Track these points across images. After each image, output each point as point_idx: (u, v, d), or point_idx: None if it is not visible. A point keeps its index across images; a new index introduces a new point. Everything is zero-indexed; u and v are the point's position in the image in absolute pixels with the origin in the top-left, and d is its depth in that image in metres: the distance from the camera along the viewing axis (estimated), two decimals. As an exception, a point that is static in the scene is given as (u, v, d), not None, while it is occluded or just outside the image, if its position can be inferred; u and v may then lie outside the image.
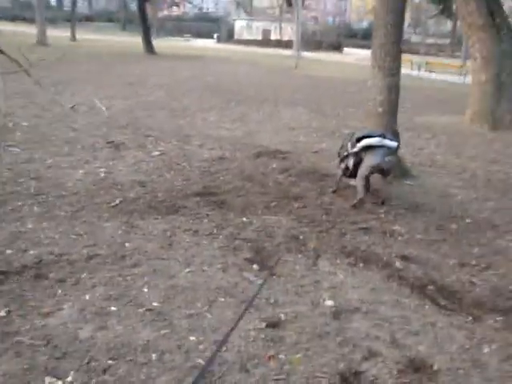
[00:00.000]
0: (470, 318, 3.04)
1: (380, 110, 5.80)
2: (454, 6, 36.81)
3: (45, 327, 2.66)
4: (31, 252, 3.49)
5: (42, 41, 25.80)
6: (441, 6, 38.33)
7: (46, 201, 4.47)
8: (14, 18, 43.01)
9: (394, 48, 5.70)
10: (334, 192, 5.18)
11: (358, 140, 4.83)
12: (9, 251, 3.48)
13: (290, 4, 35.15)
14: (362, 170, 4.79)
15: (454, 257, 3.91)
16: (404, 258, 3.82)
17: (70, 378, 2.29)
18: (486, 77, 10.53)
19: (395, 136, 5.02)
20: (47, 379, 2.28)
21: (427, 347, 2.70)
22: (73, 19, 34.26)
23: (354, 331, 2.80)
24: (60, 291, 3.02)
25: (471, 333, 2.88)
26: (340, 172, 5.22)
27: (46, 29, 27.24)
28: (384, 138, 4.76)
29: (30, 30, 29.52)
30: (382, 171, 4.82)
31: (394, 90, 5.85)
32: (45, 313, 2.79)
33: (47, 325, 2.68)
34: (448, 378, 2.47)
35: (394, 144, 4.73)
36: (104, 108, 8.76)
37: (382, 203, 4.91)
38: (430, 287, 3.39)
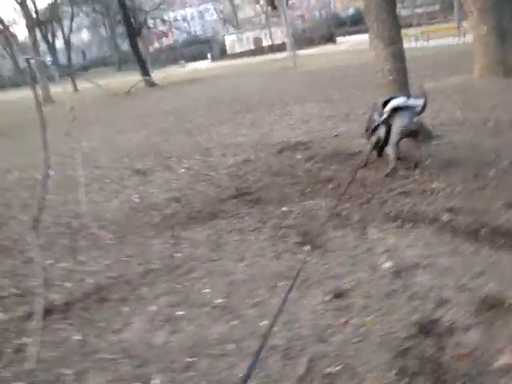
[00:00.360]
0: (532, 250, 3.00)
1: (390, 78, 5.78)
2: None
3: (120, 341, 2.73)
4: (89, 281, 3.59)
5: (47, 99, 26.54)
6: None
7: (90, 234, 4.60)
8: (17, 85, 44.48)
9: (390, 17, 5.69)
10: (365, 166, 5.17)
11: (385, 105, 4.82)
12: (68, 284, 3.59)
13: (274, 7, 35.37)
14: (393, 137, 4.78)
15: (500, 199, 3.86)
16: (450, 210, 3.79)
17: (155, 381, 2.35)
18: (486, 28, 10.38)
19: (423, 94, 4.93)
20: (136, 386, 2.35)
21: (496, 285, 2.67)
22: (71, 73, 35.22)
23: (419, 285, 2.80)
24: (125, 308, 3.10)
25: (538, 263, 2.84)
26: (370, 146, 5.20)
27: (48, 86, 28.06)
28: (408, 98, 4.76)
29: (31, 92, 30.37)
30: (411, 133, 4.79)
31: (398, 57, 5.83)
32: (116, 329, 2.87)
33: (122, 339, 2.76)
34: (525, 307, 2.44)
35: (419, 103, 4.68)
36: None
37: (415, 166, 4.88)
38: (484, 230, 3.36)
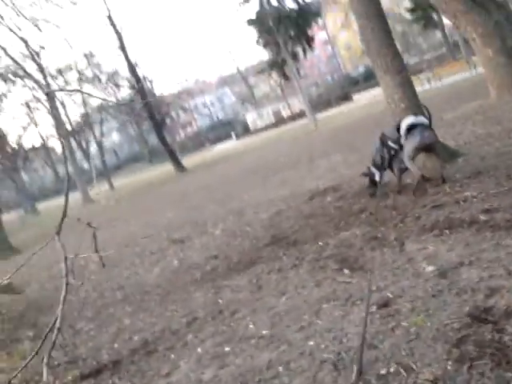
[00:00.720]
0: None
1: (402, 106, 5.88)
2: (436, 17, 37.81)
3: (169, 383, 2.70)
4: (135, 338, 3.61)
5: (87, 200, 27.88)
6: (422, 23, 39.31)
7: (134, 300, 4.66)
8: (57, 193, 46.98)
9: (390, 49, 5.91)
10: (399, 192, 5.14)
11: (398, 129, 4.93)
12: (116, 345, 3.61)
13: (287, 78, 36.85)
14: (407, 152, 4.84)
15: (537, 192, 3.74)
16: (486, 211, 3.68)
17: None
18: (492, 51, 10.48)
19: (426, 110, 5.10)
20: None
21: (548, 266, 2.55)
22: (106, 173, 37.09)
23: (466, 281, 2.69)
24: (172, 356, 3.08)
25: None
26: (397, 173, 5.25)
27: (87, 190, 29.59)
28: (416, 115, 4.91)
29: (75, 196, 32.09)
30: (426, 148, 4.84)
31: (406, 85, 5.96)
32: (165, 374, 2.85)
33: (171, 382, 2.72)
34: None
35: (424, 120, 4.86)
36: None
37: (443, 181, 4.82)
38: (525, 222, 3.24)
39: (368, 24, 5.84)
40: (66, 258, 2.37)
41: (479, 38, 10.58)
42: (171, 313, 3.90)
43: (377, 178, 5.42)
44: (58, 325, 2.22)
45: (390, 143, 5.17)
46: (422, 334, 2.31)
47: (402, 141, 4.98)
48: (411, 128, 4.82)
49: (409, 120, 4.88)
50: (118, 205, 18.71)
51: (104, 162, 38.60)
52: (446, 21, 43.20)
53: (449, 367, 1.99)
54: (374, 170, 5.45)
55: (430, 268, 2.99)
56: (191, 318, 3.63)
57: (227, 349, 2.89)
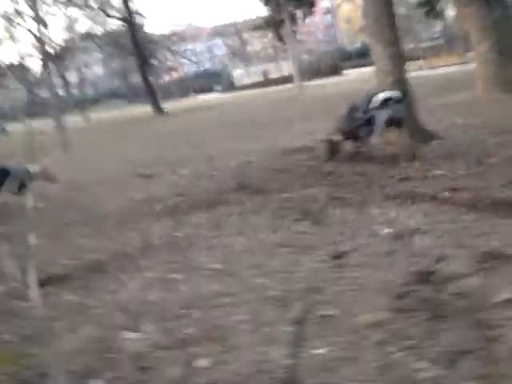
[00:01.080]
0: (533, 216, 2.97)
1: (390, 79, 5.87)
2: (439, 7, 37.38)
3: (114, 299, 2.71)
4: (88, 257, 3.59)
5: (60, 128, 27.00)
6: (426, 9, 38.89)
7: (93, 223, 4.60)
8: (32, 115, 45.45)
9: (388, 20, 5.84)
10: (356, 157, 5.45)
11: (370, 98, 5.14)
12: (67, 261, 3.58)
13: (281, 39, 36.11)
14: (378, 128, 5.06)
15: (501, 180, 3.84)
16: (451, 189, 3.78)
17: (148, 329, 2.32)
18: (486, 46, 10.54)
19: (404, 92, 5.36)
20: (126, 333, 2.31)
21: (500, 242, 2.64)
22: (84, 104, 35.96)
23: (419, 246, 2.77)
24: (122, 276, 3.08)
25: (538, 225, 2.80)
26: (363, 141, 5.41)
27: (61, 118, 28.62)
28: (389, 90, 5.19)
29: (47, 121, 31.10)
30: (395, 122, 5.03)
31: (397, 59, 5.94)
32: (112, 290, 2.85)
33: (116, 298, 2.74)
34: (528, 258, 2.39)
35: (399, 94, 5.12)
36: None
37: (413, 158, 4.90)
38: (485, 203, 3.33)
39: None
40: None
41: (476, 31, 10.62)
42: (127, 238, 3.88)
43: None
44: None
45: (359, 113, 5.25)
46: (367, 285, 2.38)
47: (374, 112, 5.07)
48: (386, 101, 4.96)
49: (386, 93, 5.04)
50: (93, 136, 18.28)
51: (83, 93, 37.39)
52: (447, 13, 42.97)
53: (387, 315, 2.07)
54: (336, 136, 5.55)
55: (388, 230, 3.07)
56: (147, 245, 3.62)
57: (177, 276, 2.91)
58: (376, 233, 3.07)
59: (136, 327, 2.35)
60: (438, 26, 49.91)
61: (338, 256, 2.79)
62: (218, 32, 65.18)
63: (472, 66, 20.07)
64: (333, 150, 5.56)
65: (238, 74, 55.93)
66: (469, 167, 4.38)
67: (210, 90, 53.81)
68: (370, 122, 5.19)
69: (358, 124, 5.30)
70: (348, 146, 5.59)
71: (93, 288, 2.97)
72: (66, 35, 34.41)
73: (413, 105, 6.09)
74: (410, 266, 2.51)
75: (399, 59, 5.92)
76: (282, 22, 34.41)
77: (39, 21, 26.81)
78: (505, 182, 3.76)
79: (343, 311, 2.17)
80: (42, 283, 3.02)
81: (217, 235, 3.60)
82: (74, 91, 40.66)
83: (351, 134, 5.42)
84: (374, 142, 5.24)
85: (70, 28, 33.30)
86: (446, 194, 3.67)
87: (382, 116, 5.03)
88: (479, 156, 4.73)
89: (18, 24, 30.47)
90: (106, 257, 3.52)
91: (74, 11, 31.63)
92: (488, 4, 10.40)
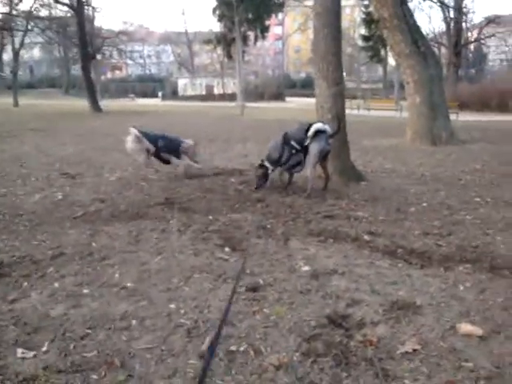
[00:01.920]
0: (442, 268, 3.14)
1: (329, 116, 6.05)
2: (382, 52, 39.70)
3: (12, 311, 2.51)
4: (-10, 257, 3.31)
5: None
6: (370, 54, 41.08)
7: (2, 219, 4.29)
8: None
9: (335, 59, 6.03)
10: (286, 188, 5.57)
11: (307, 130, 5.22)
12: (-35, 258, 3.29)
13: (230, 57, 36.48)
14: (312, 159, 5.23)
15: (417, 229, 4.05)
16: (371, 233, 3.91)
17: (44, 348, 2.16)
18: (419, 99, 11.25)
19: (338, 122, 5.58)
20: (19, 350, 2.13)
21: (406, 292, 2.75)
22: (14, 86, 33.90)
23: (334, 287, 2.82)
24: (26, 284, 2.87)
25: (445, 278, 2.96)
26: (290, 170, 5.62)
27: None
28: (323, 123, 5.34)
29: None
30: (326, 154, 5.34)
31: (339, 98, 6.15)
32: (10, 300, 2.64)
33: (14, 309, 2.53)
34: (431, 310, 2.51)
35: (331, 128, 5.32)
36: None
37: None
38: (400, 251, 3.48)
39: (323, 28, 5.92)
40: None
41: (413, 83, 11.29)
42: (38, 242, 3.63)
43: (269, 171, 5.58)
44: None
45: (293, 143, 5.36)
46: (280, 323, 2.37)
47: (306, 142, 5.26)
48: (320, 132, 5.19)
49: (319, 125, 5.21)
50: (18, 122, 17.19)
51: (15, 75, 35.22)
52: (389, 61, 45.64)
53: (295, 357, 2.07)
54: (267, 164, 5.57)
55: (306, 268, 3.10)
56: (58, 252, 3.41)
57: (86, 291, 2.75)
58: (294, 269, 3.09)
59: (31, 345, 2.18)
60: (379, 71, 52.92)
61: (253, 288, 2.77)
62: (169, 38, 64.59)
63: (404, 114, 21.43)
64: (265, 176, 5.59)
65: (183, 83, 55.61)
66: (389, 213, 4.58)
67: (152, 95, 52.96)
68: (302, 152, 5.32)
69: (290, 153, 5.37)
70: (278, 174, 5.66)
71: (-12, 293, 2.73)
72: (4, 10, 32.40)
73: (346, 143, 6.32)
74: (324, 307, 2.54)
75: (340, 98, 6.13)
76: (233, 40, 34.90)
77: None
78: (420, 232, 3.97)
79: (253, 349, 2.14)
80: None
81: (134, 250, 3.46)
82: (6, 72, 38.29)
83: (280, 163, 5.49)
84: (306, 173, 5.35)
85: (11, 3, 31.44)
86: (366, 237, 3.80)
87: (316, 147, 5.20)
88: (400, 204, 4.96)
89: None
90: (10, 260, 3.27)
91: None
92: (425, 61, 11.14)
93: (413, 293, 2.73)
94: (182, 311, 2.50)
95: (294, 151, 5.36)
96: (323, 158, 5.35)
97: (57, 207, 4.75)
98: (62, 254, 3.37)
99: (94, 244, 3.60)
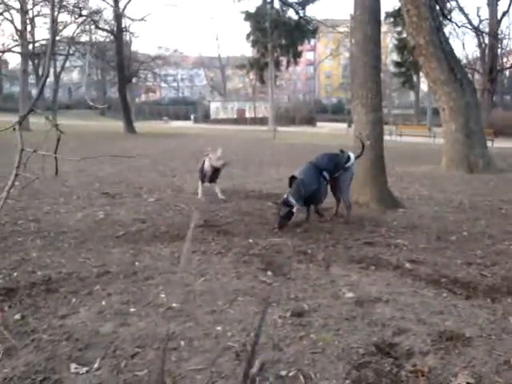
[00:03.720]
0: (489, 299, 3.07)
1: (367, 143, 6.06)
2: (415, 78, 39.55)
3: (63, 326, 2.58)
4: (39, 273, 3.42)
5: (23, 126, 26.19)
6: (402, 80, 40.98)
7: (47, 236, 4.43)
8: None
9: (374, 86, 6.08)
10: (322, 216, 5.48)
11: (346, 161, 5.31)
12: (16, 273, 3.41)
13: (262, 82, 37.01)
14: (346, 184, 5.35)
15: (460, 258, 3.98)
16: (412, 261, 3.87)
17: (96, 365, 2.20)
18: (455, 126, 11.15)
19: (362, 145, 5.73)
20: (72, 366, 2.19)
21: (454, 322, 2.70)
22: (54, 107, 35.24)
23: (379, 315, 2.79)
24: (74, 300, 2.95)
25: (493, 310, 2.89)
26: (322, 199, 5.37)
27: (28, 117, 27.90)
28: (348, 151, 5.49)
29: (14, 119, 30.20)
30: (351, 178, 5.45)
31: (377, 125, 6.17)
32: (61, 315, 2.71)
33: (65, 324, 2.60)
34: (482, 343, 2.45)
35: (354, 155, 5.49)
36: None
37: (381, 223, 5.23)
38: (444, 280, 3.42)
39: (363, 57, 5.98)
40: (21, 150, 2.23)
41: (448, 110, 11.22)
42: (84, 260, 3.74)
43: (294, 209, 4.92)
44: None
45: (326, 174, 5.18)
46: (327, 349, 2.36)
47: (340, 173, 5.27)
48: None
49: (352, 155, 5.35)
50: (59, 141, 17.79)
51: (56, 96, 36.66)
52: (422, 87, 45.40)
53: (345, 385, 2.05)
54: (292, 200, 4.91)
55: (349, 294, 3.08)
56: (103, 270, 3.50)
57: (132, 309, 2.81)
58: (338, 295, 3.08)
59: (83, 361, 2.23)
60: (411, 97, 52.68)
61: (299, 314, 2.77)
62: (202, 62, 66.10)
63: (437, 140, 21.22)
64: (289, 216, 4.95)
65: (215, 107, 56.58)
66: (429, 241, 4.52)
67: (185, 117, 54.02)
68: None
69: (325, 188, 5.23)
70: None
71: (40, 308, 2.82)
72: (49, 35, 33.98)
73: (384, 170, 6.31)
74: (371, 335, 2.51)
75: (379, 124, 6.16)
76: (266, 65, 35.46)
77: (25, 14, 26.59)
78: (463, 262, 3.90)
79: (302, 374, 2.14)
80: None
81: (177, 271, 3.51)
82: (47, 93, 39.91)
83: (318, 200, 5.25)
84: (343, 200, 5.41)
85: (55, 30, 32.94)
86: (408, 265, 3.75)
87: (349, 175, 5.31)
88: (440, 232, 4.89)
89: (1, 14, 29.97)
90: (58, 276, 3.37)
91: (63, 16, 31.38)
92: (461, 88, 11.07)
93: (460, 324, 2.68)
94: (229, 334, 2.51)
95: (325, 182, 5.16)
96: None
97: (99, 226, 4.88)
98: (107, 273, 3.45)
99: (137, 263, 3.67)
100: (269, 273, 3.50)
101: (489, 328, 2.62)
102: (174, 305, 2.89)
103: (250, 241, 4.38)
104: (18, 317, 2.66)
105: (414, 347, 2.39)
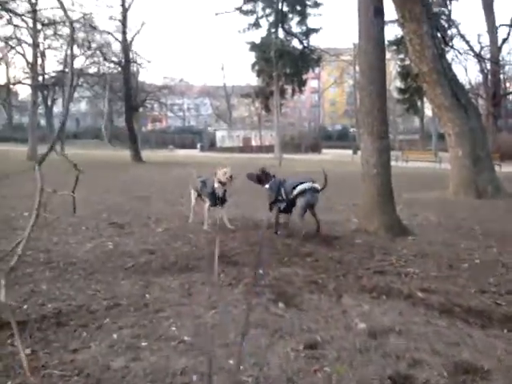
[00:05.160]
0: (505, 330, 3.02)
1: (374, 171, 6.09)
2: (419, 104, 39.83)
3: (74, 361, 2.56)
4: (49, 305, 3.42)
5: (32, 156, 26.63)
6: (406, 106, 41.26)
7: (57, 267, 4.44)
8: (6, 139, 44.78)
9: (380, 114, 6.14)
10: (276, 233, 6.08)
11: (294, 187, 5.89)
12: (26, 306, 3.40)
13: (268, 110, 37.41)
14: (298, 210, 5.90)
15: (473, 287, 3.93)
16: (424, 290, 3.82)
17: (109, 402, 2.18)
18: (461, 151, 11.15)
19: (325, 177, 6.03)
20: (85, 403, 2.16)
21: (470, 354, 2.65)
22: (62, 137, 35.67)
23: (393, 346, 2.75)
24: (84, 334, 2.94)
25: (510, 340, 2.84)
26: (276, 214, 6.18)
27: (37, 146, 28.27)
28: (313, 182, 5.96)
29: (22, 149, 30.64)
30: (311, 206, 5.92)
31: (384, 152, 6.20)
32: (72, 350, 2.70)
33: (76, 359, 2.58)
34: (502, 376, 2.40)
35: (319, 185, 5.97)
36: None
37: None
38: (457, 309, 3.38)
39: (368, 86, 6.06)
40: (41, 190, 2.26)
41: (454, 136, 11.24)
42: (93, 292, 3.73)
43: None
44: (19, 252, 2.12)
45: (282, 192, 6.06)
46: (342, 383, 2.32)
47: (291, 196, 5.91)
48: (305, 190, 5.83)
49: (306, 185, 5.86)
50: (67, 171, 17.98)
51: (64, 126, 37.13)
52: (426, 112, 45.68)
53: (361, 422, 2.01)
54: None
55: (362, 325, 3.05)
56: (113, 303, 3.48)
57: (144, 343, 2.79)
58: (350, 326, 3.04)
59: (96, 397, 2.20)
60: (415, 122, 52.96)
61: (312, 346, 2.74)
62: (208, 91, 67.02)
63: (443, 165, 21.20)
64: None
65: (221, 135, 57.11)
66: (441, 269, 4.48)
67: (190, 146, 54.46)
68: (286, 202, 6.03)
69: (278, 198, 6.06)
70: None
71: (50, 342, 2.80)
72: (58, 68, 34.87)
73: (392, 197, 6.31)
74: (386, 367, 2.47)
75: (385, 152, 6.19)
76: (271, 93, 35.90)
77: (36, 48, 27.28)
78: (476, 290, 3.85)
79: (316, 410, 2.10)
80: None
81: (188, 303, 3.49)
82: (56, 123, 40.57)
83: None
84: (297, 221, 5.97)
85: (65, 62, 33.77)
86: (420, 294, 3.71)
87: (302, 200, 5.84)
88: (451, 259, 4.85)
89: (13, 48, 30.78)
90: (68, 308, 3.36)
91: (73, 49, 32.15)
92: (466, 113, 11.12)
93: (477, 355, 2.63)
94: (242, 367, 2.48)
95: (280, 198, 6.05)
96: (311, 207, 5.91)
97: (108, 257, 4.88)
98: (117, 305, 3.44)
99: (147, 296, 3.66)
100: (280, 304, 3.47)
101: (508, 360, 2.57)
102: (185, 338, 2.86)
103: (261, 271, 4.35)
104: (28, 351, 2.64)
105: (430, 380, 2.35)
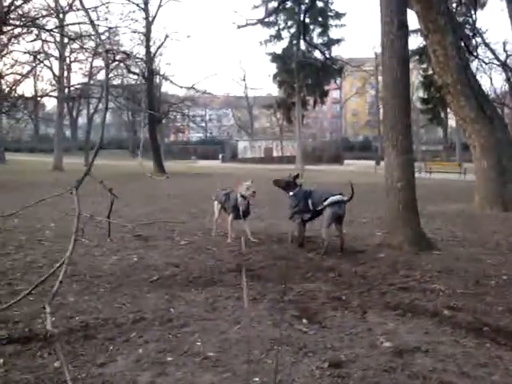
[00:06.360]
0: (536, 352, 2.95)
1: (398, 185, 6.04)
2: (442, 114, 39.36)
3: (102, 375, 2.61)
4: (76, 318, 3.49)
5: (58, 166, 27.25)
6: (429, 116, 40.86)
7: (83, 280, 4.52)
8: (32, 150, 46.07)
9: (404, 128, 6.11)
10: (301, 246, 6.13)
11: (325, 199, 5.84)
12: (54, 318, 3.46)
13: (289, 122, 37.48)
14: (325, 222, 5.81)
15: (501, 305, 3.85)
16: (450, 308, 3.77)
17: (136, 417, 2.21)
18: (487, 163, 10.94)
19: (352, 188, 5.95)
20: (114, 418, 2.20)
21: (501, 377, 2.60)
22: (86, 147, 36.44)
23: (419, 366, 2.72)
24: (111, 347, 2.98)
25: (541, 363, 2.77)
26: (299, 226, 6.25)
27: (62, 157, 28.92)
28: (341, 194, 5.89)
29: (48, 159, 31.36)
30: (339, 218, 5.89)
31: (408, 167, 6.16)
32: (99, 363, 2.74)
33: (104, 373, 2.63)
34: (531, 400, 2.35)
35: (347, 197, 5.90)
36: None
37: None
38: (486, 329, 3.31)
39: (392, 100, 6.05)
40: (79, 215, 2.33)
41: (479, 147, 11.05)
42: (119, 305, 3.79)
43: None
44: (60, 278, 2.20)
45: (309, 202, 6.04)
46: (368, 404, 2.30)
47: (319, 208, 5.89)
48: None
49: (336, 198, 5.79)
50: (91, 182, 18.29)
51: (88, 137, 37.94)
52: (450, 122, 45.14)
53: None
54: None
55: (387, 344, 3.02)
56: (139, 316, 3.53)
57: (169, 358, 2.82)
58: (376, 344, 3.02)
59: (123, 413, 2.24)
60: (438, 132, 52.36)
61: (336, 364, 2.72)
62: (230, 102, 67.56)
63: (468, 177, 20.85)
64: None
65: (242, 146, 57.39)
66: (467, 286, 4.40)
67: (212, 157, 54.87)
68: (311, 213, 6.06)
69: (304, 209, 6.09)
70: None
71: (78, 355, 2.86)
72: (84, 80, 35.71)
73: (416, 211, 6.25)
74: (412, 389, 2.45)
75: (409, 166, 6.14)
76: (292, 104, 36.00)
77: (63, 61, 28.00)
78: (504, 308, 3.77)
79: (342, 431, 2.09)
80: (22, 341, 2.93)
81: (212, 318, 3.52)
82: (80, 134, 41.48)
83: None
84: (323, 234, 5.88)
85: (90, 75, 34.56)
86: (446, 312, 3.66)
87: (329, 211, 5.78)
88: (478, 276, 4.76)
89: (42, 62, 31.65)
90: (95, 322, 3.42)
91: (97, 61, 32.99)
92: (491, 125, 10.94)
93: (508, 379, 2.58)
94: (266, 385, 2.49)
95: (304, 208, 6.03)
96: (337, 220, 5.86)
97: (133, 270, 4.95)
98: (142, 319, 3.48)
99: (172, 310, 3.70)
100: (304, 320, 3.47)
101: (538, 383, 2.52)
102: (210, 354, 2.88)
103: (284, 286, 4.36)
104: (57, 364, 2.70)
105: (458, 403, 2.31)
